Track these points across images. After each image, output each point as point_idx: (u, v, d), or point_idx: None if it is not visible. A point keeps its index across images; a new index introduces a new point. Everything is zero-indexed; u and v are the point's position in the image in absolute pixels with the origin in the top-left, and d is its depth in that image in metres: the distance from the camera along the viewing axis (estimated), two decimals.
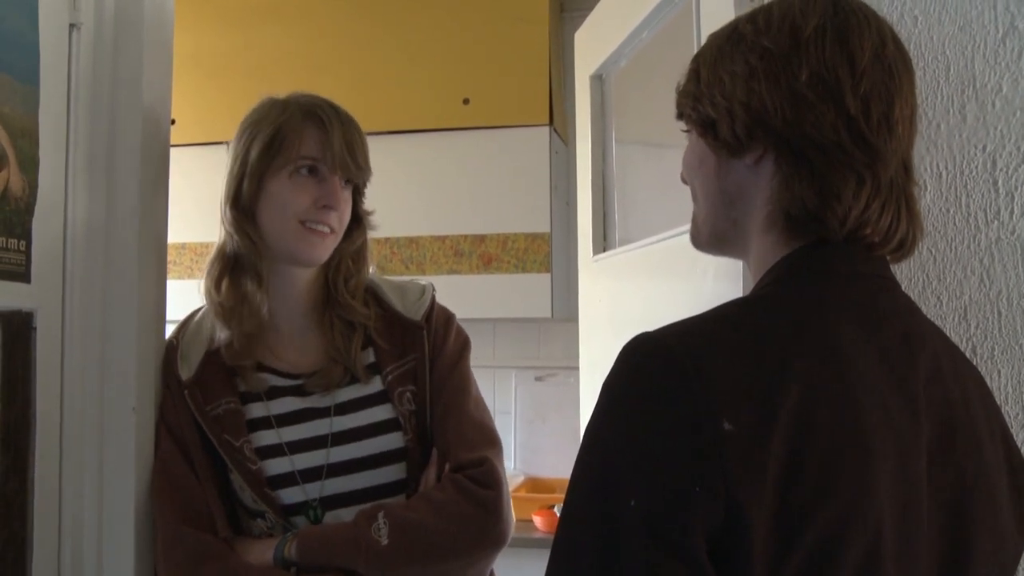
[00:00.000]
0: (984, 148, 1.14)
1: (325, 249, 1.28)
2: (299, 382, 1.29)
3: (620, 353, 0.73)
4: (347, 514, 1.23)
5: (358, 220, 1.35)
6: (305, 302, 1.32)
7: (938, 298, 1.15)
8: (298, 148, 1.24)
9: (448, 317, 1.37)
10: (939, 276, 1.15)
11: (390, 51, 3.10)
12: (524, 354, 3.24)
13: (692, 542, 0.65)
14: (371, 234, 1.38)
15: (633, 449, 0.69)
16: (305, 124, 1.25)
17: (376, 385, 1.30)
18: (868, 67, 0.76)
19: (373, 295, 1.35)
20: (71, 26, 1.23)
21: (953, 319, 1.13)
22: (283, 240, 1.26)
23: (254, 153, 1.25)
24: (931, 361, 0.78)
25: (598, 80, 2.05)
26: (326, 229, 1.26)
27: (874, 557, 0.69)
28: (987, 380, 0.91)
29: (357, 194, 1.34)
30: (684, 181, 0.92)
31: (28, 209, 1.14)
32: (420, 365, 1.30)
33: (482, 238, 2.93)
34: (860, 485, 0.69)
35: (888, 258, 0.82)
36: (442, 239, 2.95)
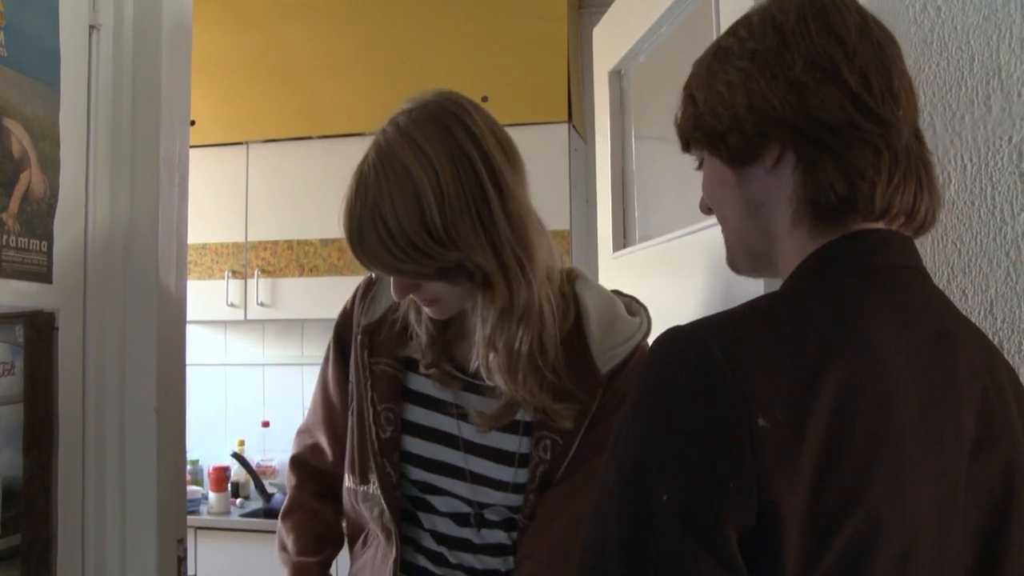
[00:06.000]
0: (1010, 139, 1.12)
1: (445, 310, 1.16)
2: (467, 379, 1.21)
3: (652, 346, 0.72)
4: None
5: (487, 285, 1.10)
6: None
7: (963, 292, 1.13)
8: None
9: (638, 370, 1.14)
10: (964, 270, 1.13)
11: (408, 49, 3.10)
12: None
13: (725, 536, 0.64)
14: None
15: (666, 443, 0.68)
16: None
17: (525, 415, 1.16)
18: (857, 44, 0.77)
19: (576, 325, 1.18)
20: (91, 28, 1.24)
21: (979, 313, 1.11)
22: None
23: None
24: (967, 358, 0.77)
25: (617, 76, 2.04)
26: (428, 310, 1.17)
27: (909, 558, 0.68)
28: None
29: (451, 274, 1.09)
30: (705, 211, 0.91)
31: (49, 210, 1.15)
32: (578, 418, 1.13)
33: None
34: (896, 486, 0.68)
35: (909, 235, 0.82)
36: None
